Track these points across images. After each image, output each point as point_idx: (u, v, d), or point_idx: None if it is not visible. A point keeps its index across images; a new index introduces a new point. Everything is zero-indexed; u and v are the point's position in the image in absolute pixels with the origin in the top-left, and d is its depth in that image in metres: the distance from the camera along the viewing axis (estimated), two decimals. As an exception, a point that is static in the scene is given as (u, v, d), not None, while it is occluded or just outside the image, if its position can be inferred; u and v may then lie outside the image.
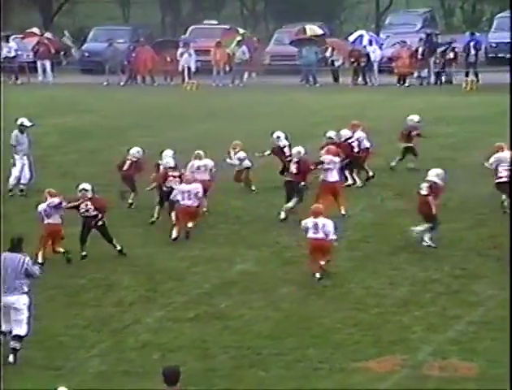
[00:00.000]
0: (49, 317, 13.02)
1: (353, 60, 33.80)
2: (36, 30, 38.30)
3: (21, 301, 11.93)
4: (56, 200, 15.52)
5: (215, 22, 39.81)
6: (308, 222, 14.85)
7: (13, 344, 11.84)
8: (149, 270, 15.07)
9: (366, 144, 19.84)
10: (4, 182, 19.31)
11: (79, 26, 44.47)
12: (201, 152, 18.28)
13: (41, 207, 15.59)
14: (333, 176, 17.61)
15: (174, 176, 17.28)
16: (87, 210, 15.57)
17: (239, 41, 35.55)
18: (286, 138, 19.29)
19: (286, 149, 19.09)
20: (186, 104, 29.76)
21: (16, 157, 19.30)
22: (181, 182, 17.09)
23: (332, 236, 14.66)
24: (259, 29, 46.01)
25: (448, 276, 14.56)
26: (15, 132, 19.46)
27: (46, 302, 13.49)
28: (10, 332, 11.92)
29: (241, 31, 37.97)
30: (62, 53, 38.59)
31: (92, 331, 12.69)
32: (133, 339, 12.54)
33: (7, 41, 36.45)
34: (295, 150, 17.76)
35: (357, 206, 18.14)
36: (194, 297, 13.93)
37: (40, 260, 14.95)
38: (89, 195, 15.65)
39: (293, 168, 17.42)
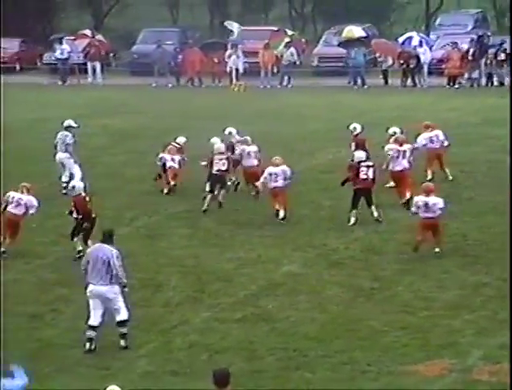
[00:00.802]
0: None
1: (402, 62, 33.57)
2: (87, 32, 38.70)
3: (111, 290, 12.19)
4: (17, 196, 15.84)
5: (237, 24, 39.68)
6: (419, 200, 15.24)
7: (120, 330, 12.23)
8: (196, 270, 15.08)
9: (445, 142, 19.78)
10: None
11: (128, 28, 44.80)
12: (249, 137, 18.86)
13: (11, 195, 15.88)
14: (401, 165, 18.00)
15: (221, 159, 17.89)
16: (71, 211, 15.56)
17: (287, 43, 35.51)
18: (237, 134, 19.57)
19: (236, 146, 19.29)
20: (234, 105, 29.80)
21: (69, 156, 19.60)
22: (229, 164, 17.83)
23: (442, 213, 15.19)
24: (307, 31, 45.93)
25: (498, 280, 14.34)
26: (68, 133, 19.72)
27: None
28: (98, 326, 12.16)
29: (290, 32, 37.92)
30: (112, 54, 38.95)
31: (140, 331, 12.71)
32: (181, 339, 12.55)
33: (60, 43, 36.87)
34: (361, 154, 17.35)
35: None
36: (241, 298, 13.91)
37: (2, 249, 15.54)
38: (74, 194, 15.69)
39: (370, 174, 17.06)
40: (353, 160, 17.53)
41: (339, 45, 35.97)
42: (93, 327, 12.18)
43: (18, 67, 39.08)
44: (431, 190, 15.40)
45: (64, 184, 19.55)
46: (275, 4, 48.95)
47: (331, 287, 14.28)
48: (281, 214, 17.09)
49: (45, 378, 11.45)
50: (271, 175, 17.20)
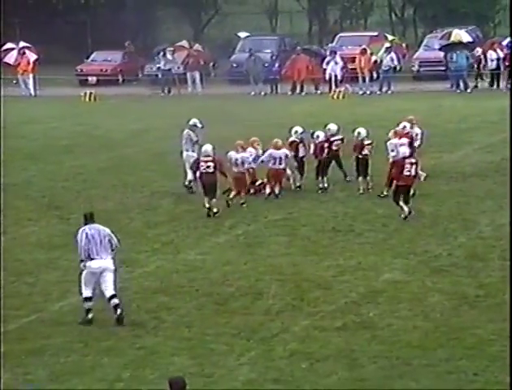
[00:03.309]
0: (200, 324, 13.16)
1: (508, 63, 32.80)
2: (185, 43, 39.20)
3: (112, 263, 13.22)
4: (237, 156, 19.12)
5: (247, 34, 39.53)
6: None
7: (114, 301, 13.12)
8: (295, 278, 15.00)
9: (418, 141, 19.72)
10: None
11: (228, 37, 45.17)
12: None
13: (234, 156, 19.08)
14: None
15: (368, 144, 19.24)
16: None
17: (387, 48, 35.16)
18: (302, 133, 20.31)
19: (300, 144, 20.01)
20: (332, 112, 29.62)
21: (192, 155, 20.01)
22: (372, 150, 19.19)
23: None
24: (408, 35, 45.40)
25: None
26: (192, 132, 20.45)
27: (196, 310, 13.65)
28: (91, 298, 13.18)
29: (390, 37, 37.57)
30: (212, 64, 39.33)
31: (241, 339, 12.70)
32: (281, 347, 12.47)
33: (164, 55, 37.43)
34: (406, 150, 17.46)
35: None
36: (341, 306, 13.77)
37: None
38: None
39: (413, 171, 17.29)
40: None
41: (440, 49, 35.42)
42: (89, 299, 13.15)
43: (120, 79, 39.92)
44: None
45: (187, 182, 19.93)
46: (375, 9, 48.59)
47: (434, 294, 14.00)
48: (277, 190, 18.95)
49: (149, 385, 11.56)
50: (275, 158, 18.82)
